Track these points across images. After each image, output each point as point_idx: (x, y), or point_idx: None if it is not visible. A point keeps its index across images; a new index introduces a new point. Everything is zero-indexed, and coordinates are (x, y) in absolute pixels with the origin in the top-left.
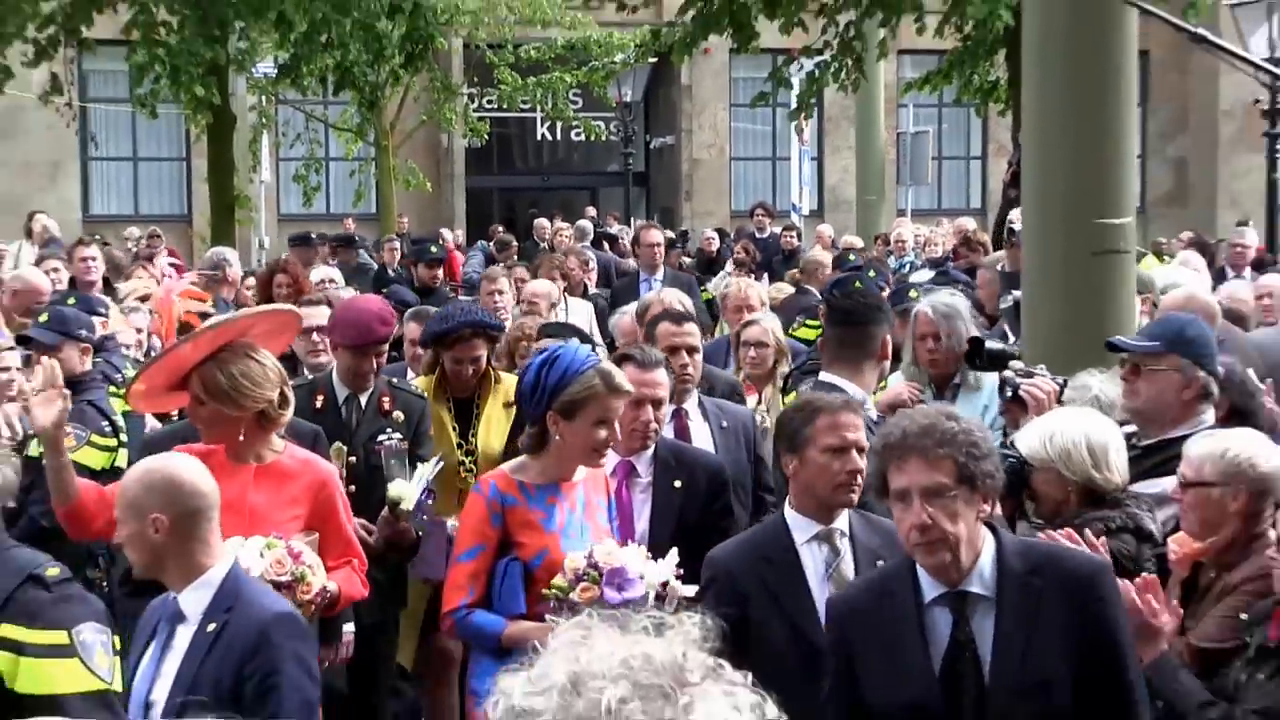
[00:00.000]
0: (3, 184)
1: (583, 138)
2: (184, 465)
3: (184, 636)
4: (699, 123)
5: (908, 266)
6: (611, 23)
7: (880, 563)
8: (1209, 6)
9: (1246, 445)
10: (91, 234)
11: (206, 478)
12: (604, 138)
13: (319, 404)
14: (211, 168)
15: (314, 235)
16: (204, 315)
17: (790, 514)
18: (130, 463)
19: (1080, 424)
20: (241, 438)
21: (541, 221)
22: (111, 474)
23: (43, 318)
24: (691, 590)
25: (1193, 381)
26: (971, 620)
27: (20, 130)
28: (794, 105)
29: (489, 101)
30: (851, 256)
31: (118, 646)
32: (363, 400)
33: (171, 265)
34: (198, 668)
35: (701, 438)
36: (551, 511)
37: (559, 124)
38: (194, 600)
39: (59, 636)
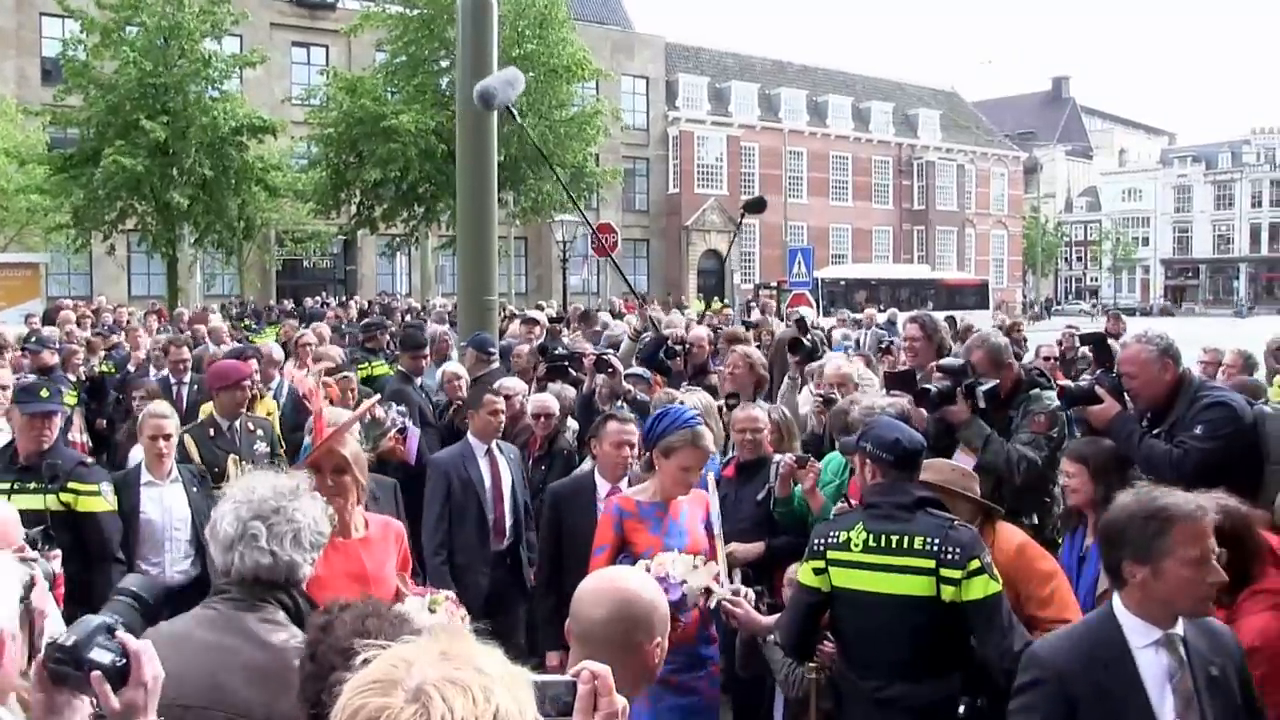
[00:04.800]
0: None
1: (319, 266)
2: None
3: None
4: (364, 261)
5: None
6: (331, 221)
7: (1212, 669)
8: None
9: None
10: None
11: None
12: (329, 266)
13: (212, 433)
14: (169, 278)
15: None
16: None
17: (1122, 613)
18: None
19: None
20: (350, 509)
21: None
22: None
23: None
24: (726, 593)
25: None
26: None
27: (103, 268)
28: (393, 255)
29: (285, 250)
30: None
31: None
32: (237, 425)
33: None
34: None
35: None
36: (658, 521)
37: (312, 260)
38: None
39: (94, 488)
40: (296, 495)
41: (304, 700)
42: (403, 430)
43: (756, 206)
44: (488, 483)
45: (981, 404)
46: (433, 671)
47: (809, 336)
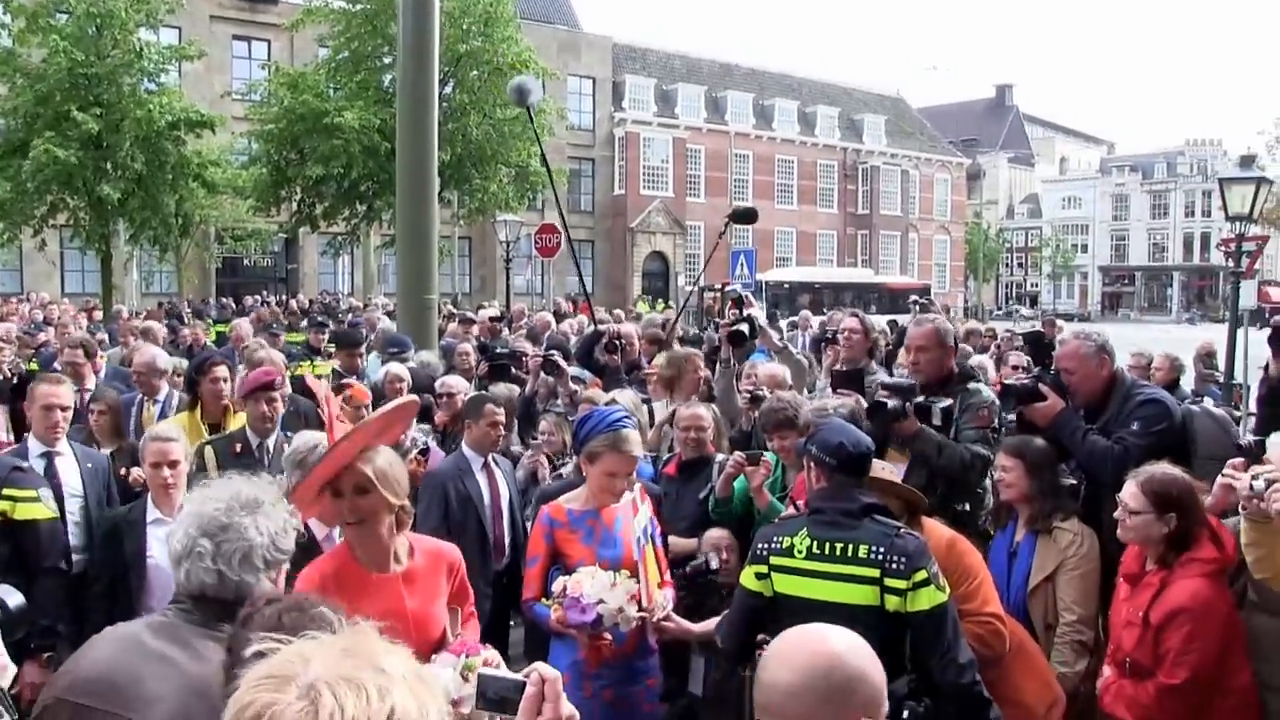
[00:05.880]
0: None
1: (260, 265)
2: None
3: None
4: (306, 260)
5: None
6: (271, 219)
7: None
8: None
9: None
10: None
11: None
12: (270, 265)
13: (239, 449)
14: (103, 275)
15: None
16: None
17: None
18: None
19: None
20: (387, 537)
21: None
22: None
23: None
24: (637, 616)
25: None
26: None
27: (35, 264)
28: (335, 254)
29: (225, 248)
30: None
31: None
32: (270, 444)
33: None
34: None
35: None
36: (590, 530)
37: (253, 258)
38: None
39: (33, 494)
40: (254, 509)
41: (221, 696)
42: (425, 451)
43: (746, 217)
44: (486, 498)
45: (937, 421)
46: (329, 669)
47: (747, 313)
